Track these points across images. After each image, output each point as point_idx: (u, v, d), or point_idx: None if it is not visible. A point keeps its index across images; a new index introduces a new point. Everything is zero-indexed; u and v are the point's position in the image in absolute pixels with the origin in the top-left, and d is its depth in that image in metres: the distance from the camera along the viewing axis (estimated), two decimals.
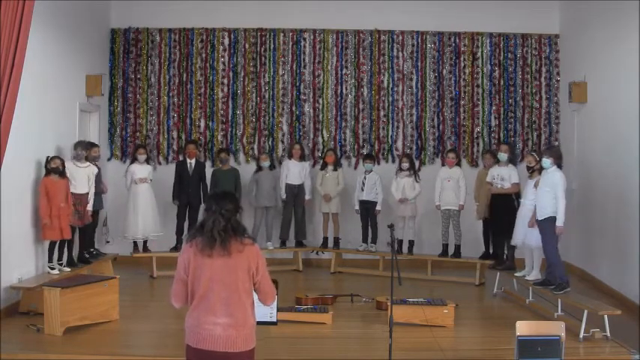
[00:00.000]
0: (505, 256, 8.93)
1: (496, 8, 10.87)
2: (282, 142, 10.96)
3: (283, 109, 10.98)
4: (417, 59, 10.99)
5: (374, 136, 10.95)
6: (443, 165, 10.17)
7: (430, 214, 10.21)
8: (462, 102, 10.96)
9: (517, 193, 8.67)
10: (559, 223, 7.33)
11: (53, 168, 7.84)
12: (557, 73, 10.91)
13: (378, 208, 10.06)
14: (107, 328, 6.95)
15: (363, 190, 10.07)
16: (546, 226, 7.44)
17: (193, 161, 10.14)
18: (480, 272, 9.37)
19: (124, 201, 9.84)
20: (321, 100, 11.00)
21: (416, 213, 9.94)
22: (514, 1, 10.78)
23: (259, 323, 4.15)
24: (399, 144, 10.95)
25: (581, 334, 6.60)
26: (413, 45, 10.98)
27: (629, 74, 8.22)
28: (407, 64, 11.00)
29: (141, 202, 9.66)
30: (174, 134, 10.95)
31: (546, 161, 7.49)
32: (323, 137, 11.00)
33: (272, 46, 11.00)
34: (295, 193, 10.29)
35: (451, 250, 9.73)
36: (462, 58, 10.99)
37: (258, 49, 11.00)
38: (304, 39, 11.04)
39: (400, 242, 9.75)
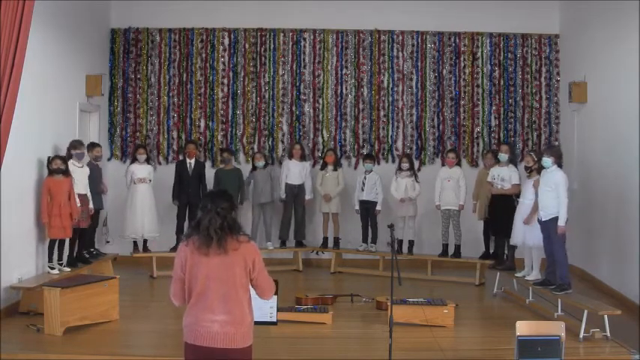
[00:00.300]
0: (505, 256, 8.93)
1: (496, 8, 10.87)
2: (282, 142, 10.96)
3: (283, 109, 10.98)
4: (417, 59, 10.99)
5: (374, 136, 10.95)
6: (443, 165, 10.18)
7: (430, 214, 10.21)
8: (462, 102, 10.96)
9: (517, 194, 8.66)
10: (561, 222, 7.25)
11: (55, 169, 7.84)
12: (557, 73, 10.91)
13: (378, 208, 10.06)
14: (107, 328, 6.95)
15: (363, 190, 10.07)
16: (551, 226, 7.34)
17: (193, 161, 10.15)
18: (480, 272, 9.36)
19: (123, 201, 9.85)
20: (321, 100, 11.00)
21: (416, 213, 9.94)
22: (514, 1, 10.78)
23: (259, 323, 4.16)
24: (399, 144, 10.95)
25: (581, 334, 6.60)
26: (413, 45, 10.98)
27: (629, 74, 8.22)
28: (407, 64, 11.00)
29: (139, 202, 9.67)
30: (174, 134, 10.95)
31: (547, 160, 7.43)
32: (323, 137, 10.99)
33: (272, 46, 11.00)
34: (295, 193, 10.29)
35: (451, 250, 9.72)
36: (462, 58, 10.98)
37: (258, 49, 11.00)
38: (304, 39, 11.04)
39: (400, 242, 9.74)
